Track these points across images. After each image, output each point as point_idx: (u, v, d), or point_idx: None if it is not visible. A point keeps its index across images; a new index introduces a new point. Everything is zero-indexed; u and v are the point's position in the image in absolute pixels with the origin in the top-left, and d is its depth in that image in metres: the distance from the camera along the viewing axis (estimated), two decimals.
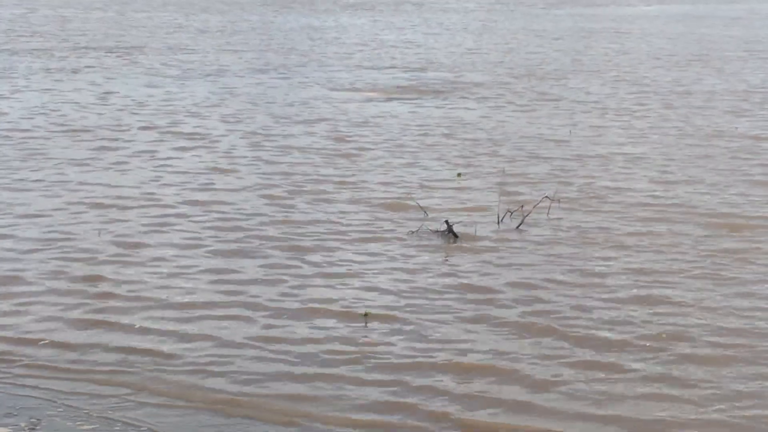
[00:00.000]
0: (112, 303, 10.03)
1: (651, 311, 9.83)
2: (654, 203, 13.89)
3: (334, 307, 9.93)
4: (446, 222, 12.37)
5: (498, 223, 12.91)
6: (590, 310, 9.85)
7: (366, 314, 9.68)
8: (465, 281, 10.71)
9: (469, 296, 10.27)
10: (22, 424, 7.51)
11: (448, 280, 10.74)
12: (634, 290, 10.41)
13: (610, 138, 18.74)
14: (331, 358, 8.74)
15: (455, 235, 12.25)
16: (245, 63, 30.85)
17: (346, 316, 9.71)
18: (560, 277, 10.80)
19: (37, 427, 7.45)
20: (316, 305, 9.99)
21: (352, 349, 8.94)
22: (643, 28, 45.67)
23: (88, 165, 16.26)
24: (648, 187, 14.85)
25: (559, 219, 13.11)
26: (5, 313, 9.75)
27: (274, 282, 10.67)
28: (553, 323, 9.52)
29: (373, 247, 11.88)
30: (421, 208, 13.34)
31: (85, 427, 7.48)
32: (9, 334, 9.25)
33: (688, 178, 15.38)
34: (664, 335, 9.20)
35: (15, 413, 7.70)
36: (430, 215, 13.13)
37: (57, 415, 7.68)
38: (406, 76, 28.12)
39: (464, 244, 12.03)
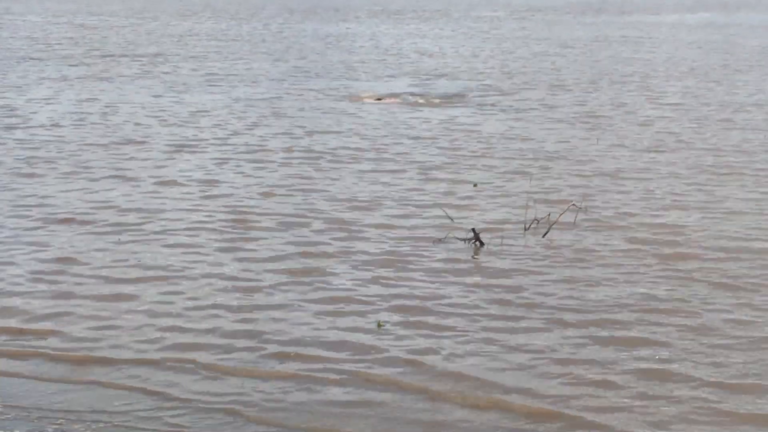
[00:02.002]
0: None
1: (671, 328, 9.76)
2: (678, 220, 13.77)
3: (356, 317, 9.87)
4: (473, 230, 12.33)
5: (524, 231, 12.85)
6: (614, 324, 9.77)
7: (380, 324, 9.62)
8: (491, 290, 10.65)
9: (495, 306, 10.21)
10: (49, 430, 7.53)
11: (473, 289, 10.67)
12: (659, 304, 10.35)
13: (638, 148, 18.61)
14: (346, 369, 8.71)
15: (482, 243, 12.20)
16: (264, 71, 30.93)
17: (366, 324, 9.64)
18: (585, 288, 10.72)
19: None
20: (338, 312, 9.93)
21: (366, 361, 8.87)
22: (671, 37, 45.48)
23: (98, 175, 16.33)
24: (674, 198, 14.74)
25: (585, 228, 13.04)
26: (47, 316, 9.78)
27: (293, 287, 10.64)
28: (577, 335, 9.46)
29: (398, 255, 11.84)
30: (447, 215, 13.29)
31: None
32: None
33: (717, 195, 15.15)
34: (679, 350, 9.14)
35: (40, 418, 7.71)
36: (457, 225, 13.07)
37: (81, 422, 7.69)
38: (429, 84, 28.11)
39: (491, 253, 11.97)
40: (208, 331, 9.42)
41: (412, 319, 9.78)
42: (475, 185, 15.50)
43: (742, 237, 12.63)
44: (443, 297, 10.40)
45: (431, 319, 9.77)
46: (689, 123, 21.49)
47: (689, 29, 50.40)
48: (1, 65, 31.73)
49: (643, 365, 8.72)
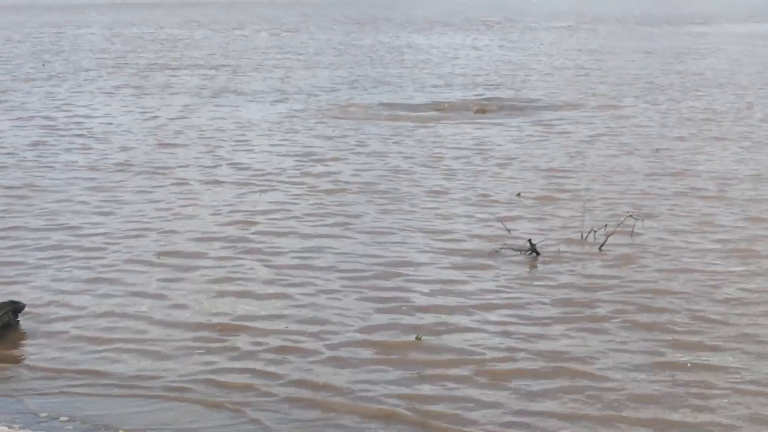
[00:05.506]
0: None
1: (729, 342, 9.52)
2: (737, 237, 13.31)
3: (400, 330, 9.77)
4: (529, 241, 12.15)
5: (582, 242, 12.65)
6: (671, 331, 9.56)
7: (418, 338, 9.46)
8: (548, 302, 10.47)
9: (553, 317, 10.04)
10: (42, 414, 7.74)
11: (530, 301, 10.50)
12: (717, 316, 10.11)
13: (699, 167, 17.89)
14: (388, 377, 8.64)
15: (538, 254, 12.03)
16: (311, 84, 30.98)
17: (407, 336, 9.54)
18: (643, 301, 10.50)
19: (60, 418, 7.59)
20: (385, 325, 9.83)
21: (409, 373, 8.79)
22: (742, 48, 44.63)
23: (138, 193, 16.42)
24: (731, 219, 14.21)
25: (642, 239, 12.78)
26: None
27: (343, 296, 10.59)
28: (633, 348, 9.26)
29: (454, 266, 11.72)
30: (505, 227, 13.09)
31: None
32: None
33: None
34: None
35: (31, 410, 7.84)
36: (512, 235, 12.88)
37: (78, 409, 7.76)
38: (481, 94, 27.91)
39: (547, 265, 11.78)
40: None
41: (460, 331, 9.66)
42: (518, 195, 15.30)
43: None
44: (495, 310, 10.26)
45: (481, 331, 9.63)
46: (758, 137, 20.93)
47: (756, 40, 49.51)
48: (60, 77, 32.22)
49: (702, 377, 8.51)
